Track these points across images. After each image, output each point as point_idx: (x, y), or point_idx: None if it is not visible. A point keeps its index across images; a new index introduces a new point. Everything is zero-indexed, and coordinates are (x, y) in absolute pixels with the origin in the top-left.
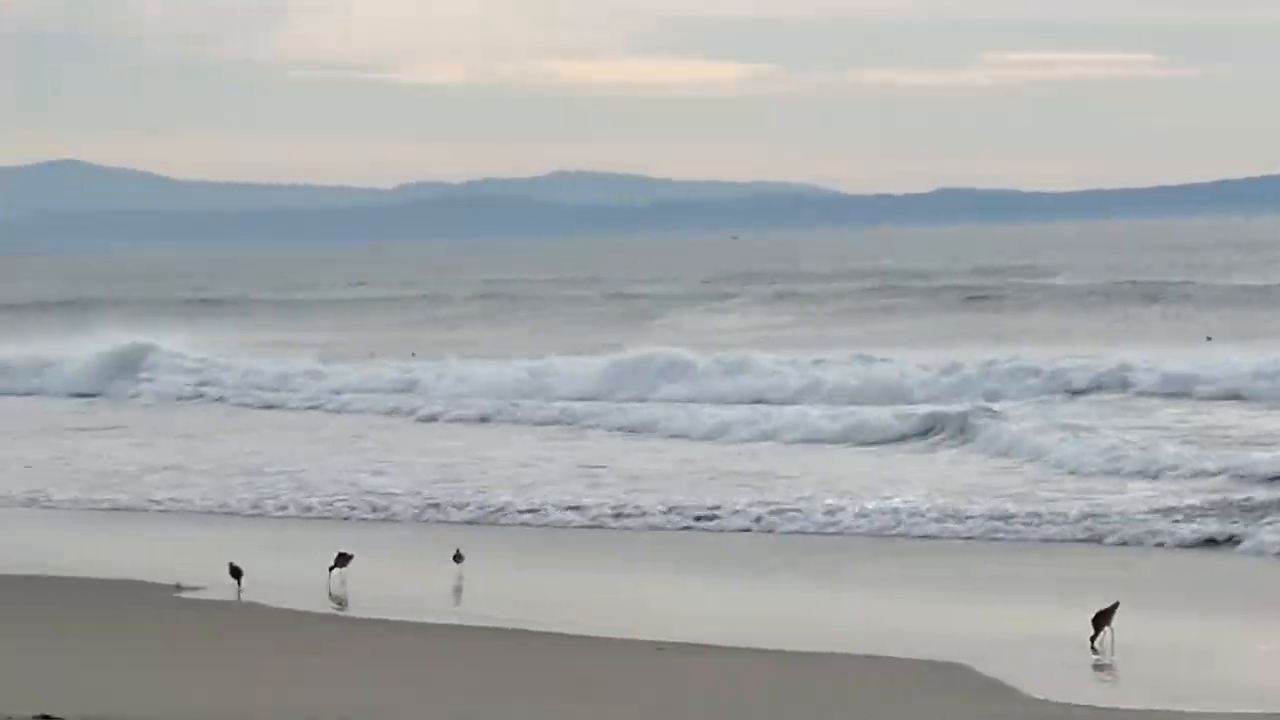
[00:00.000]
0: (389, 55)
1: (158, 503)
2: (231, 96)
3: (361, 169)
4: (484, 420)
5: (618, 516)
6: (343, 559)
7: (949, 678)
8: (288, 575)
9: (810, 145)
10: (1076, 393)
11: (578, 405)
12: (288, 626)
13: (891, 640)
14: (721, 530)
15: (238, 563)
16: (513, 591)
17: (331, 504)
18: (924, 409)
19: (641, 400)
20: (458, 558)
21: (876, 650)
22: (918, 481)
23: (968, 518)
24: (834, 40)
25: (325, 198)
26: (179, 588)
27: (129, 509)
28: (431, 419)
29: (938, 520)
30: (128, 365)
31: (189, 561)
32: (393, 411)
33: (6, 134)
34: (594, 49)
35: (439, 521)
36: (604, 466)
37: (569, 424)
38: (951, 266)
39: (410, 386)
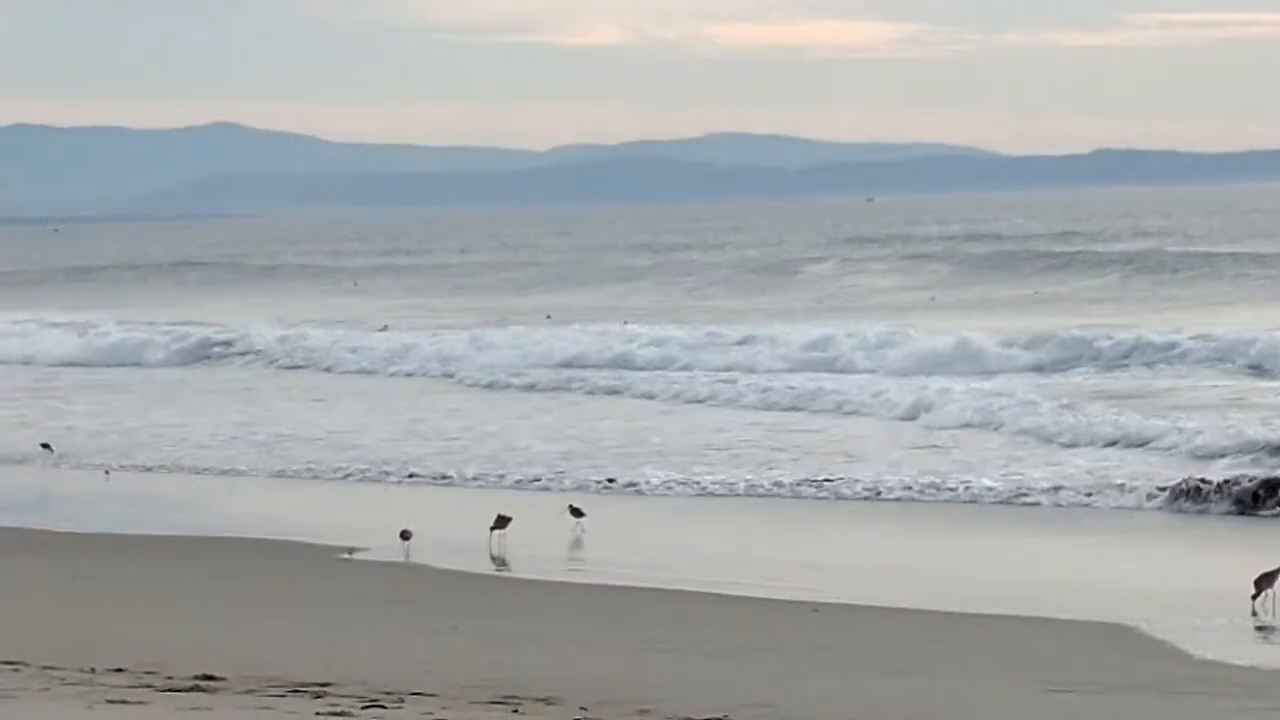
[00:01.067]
0: (546, 17)
1: (315, 466)
2: (387, 60)
3: (515, 132)
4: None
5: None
6: (502, 521)
7: (1118, 639)
8: (449, 538)
9: (967, 106)
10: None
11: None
12: (454, 587)
13: (1057, 601)
14: (880, 497)
15: (408, 527)
16: (664, 553)
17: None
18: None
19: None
20: (576, 513)
21: (1043, 612)
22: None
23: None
24: (988, 1)
25: (479, 160)
26: (345, 549)
27: (294, 475)
28: (650, 396)
29: (1096, 490)
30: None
31: (351, 524)
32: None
33: (168, 97)
34: (750, 12)
35: (594, 489)
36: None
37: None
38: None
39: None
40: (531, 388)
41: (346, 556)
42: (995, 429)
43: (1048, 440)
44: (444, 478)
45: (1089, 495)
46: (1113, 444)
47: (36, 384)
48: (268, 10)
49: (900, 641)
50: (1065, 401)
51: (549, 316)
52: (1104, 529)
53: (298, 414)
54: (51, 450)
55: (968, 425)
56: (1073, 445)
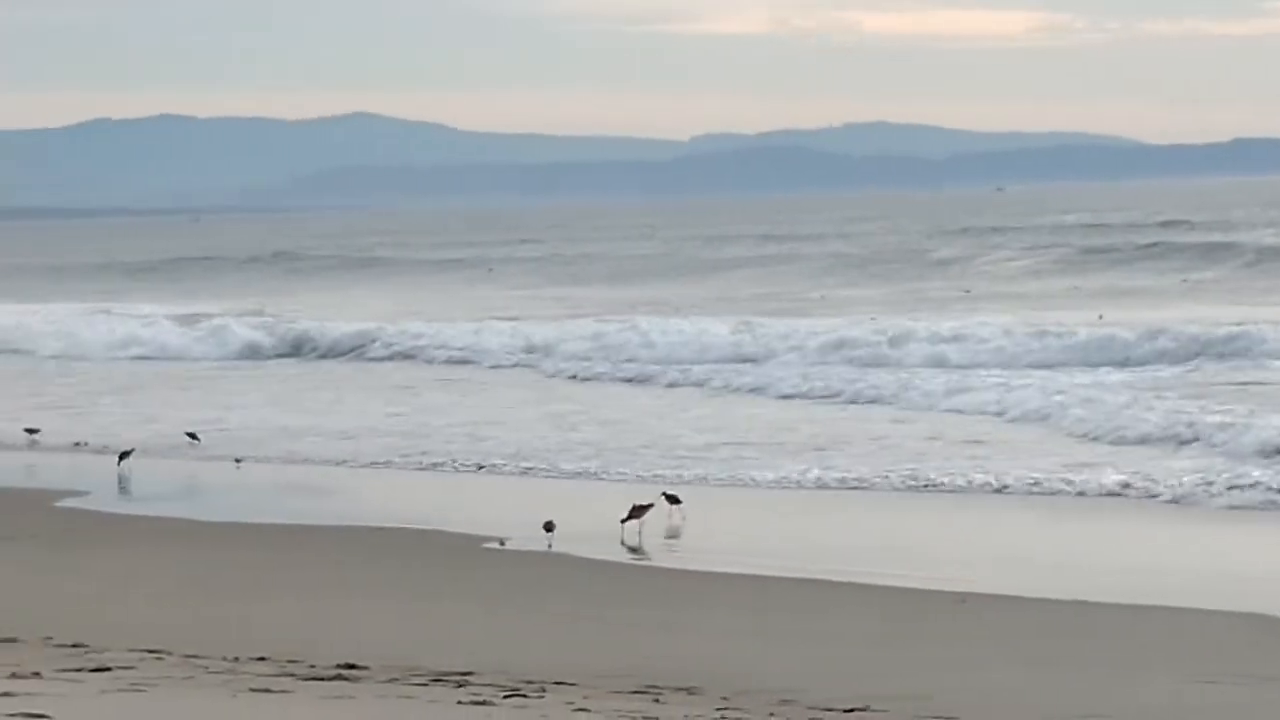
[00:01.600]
0: (685, 6)
1: (457, 457)
2: (523, 49)
3: (654, 121)
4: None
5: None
6: (638, 510)
7: (1261, 629)
8: (591, 528)
9: (1106, 95)
10: None
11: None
12: (595, 577)
13: (1198, 591)
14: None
15: (550, 518)
16: (804, 543)
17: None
18: None
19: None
20: (673, 500)
21: (1184, 602)
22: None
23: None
24: None
25: (617, 150)
26: (489, 538)
27: (436, 466)
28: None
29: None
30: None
31: (492, 514)
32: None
33: (307, 88)
34: (890, 1)
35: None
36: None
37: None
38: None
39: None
40: (674, 385)
41: (498, 546)
42: (1123, 425)
43: (1176, 434)
44: (588, 473)
45: (1229, 489)
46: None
47: (183, 376)
48: (405, 2)
49: (1045, 632)
50: (1196, 395)
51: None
52: (1241, 519)
53: (439, 405)
54: (198, 440)
55: (1093, 419)
56: (1193, 441)
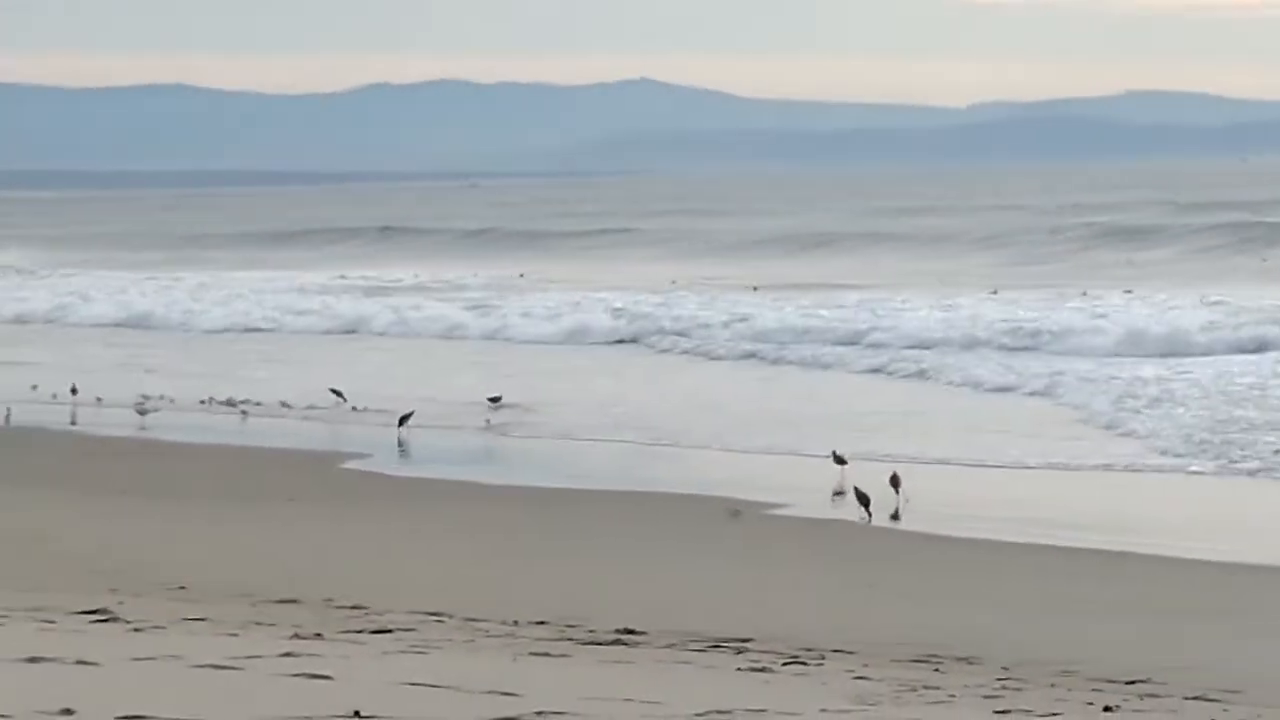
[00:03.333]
0: None
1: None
2: (802, 15)
3: (932, 88)
4: None
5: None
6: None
7: None
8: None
9: None
10: None
11: None
12: (874, 544)
13: None
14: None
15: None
16: (1088, 514)
17: None
18: None
19: None
20: (839, 460)
21: None
22: None
23: None
24: None
25: (896, 117)
26: (769, 507)
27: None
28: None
29: None
30: None
31: (771, 482)
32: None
33: (589, 53)
34: None
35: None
36: None
37: None
38: None
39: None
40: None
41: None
42: None
43: None
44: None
45: None
46: None
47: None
48: None
49: None
50: None
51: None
52: None
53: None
54: (498, 402)
55: None
56: None
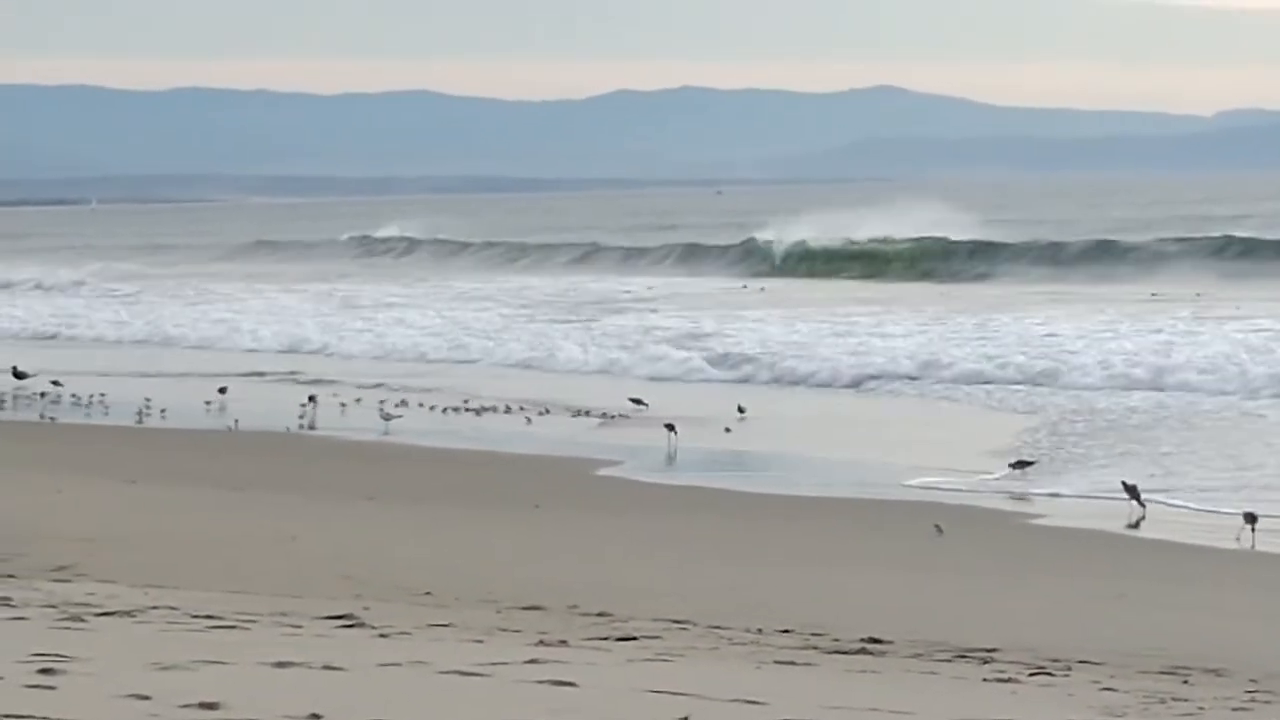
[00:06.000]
0: None
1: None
2: (1046, 22)
3: (1178, 96)
4: None
5: None
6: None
7: None
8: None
9: None
10: None
11: None
12: (1122, 552)
13: None
14: None
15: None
16: None
17: None
18: None
19: None
20: (1134, 491)
21: None
22: None
23: None
24: None
25: (1141, 124)
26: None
27: None
28: None
29: None
30: None
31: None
32: None
33: (830, 60)
34: None
35: None
36: None
37: None
38: None
39: None
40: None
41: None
42: None
43: None
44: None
45: None
46: None
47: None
48: None
49: None
50: None
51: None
52: None
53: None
54: (743, 412)
55: None
56: None
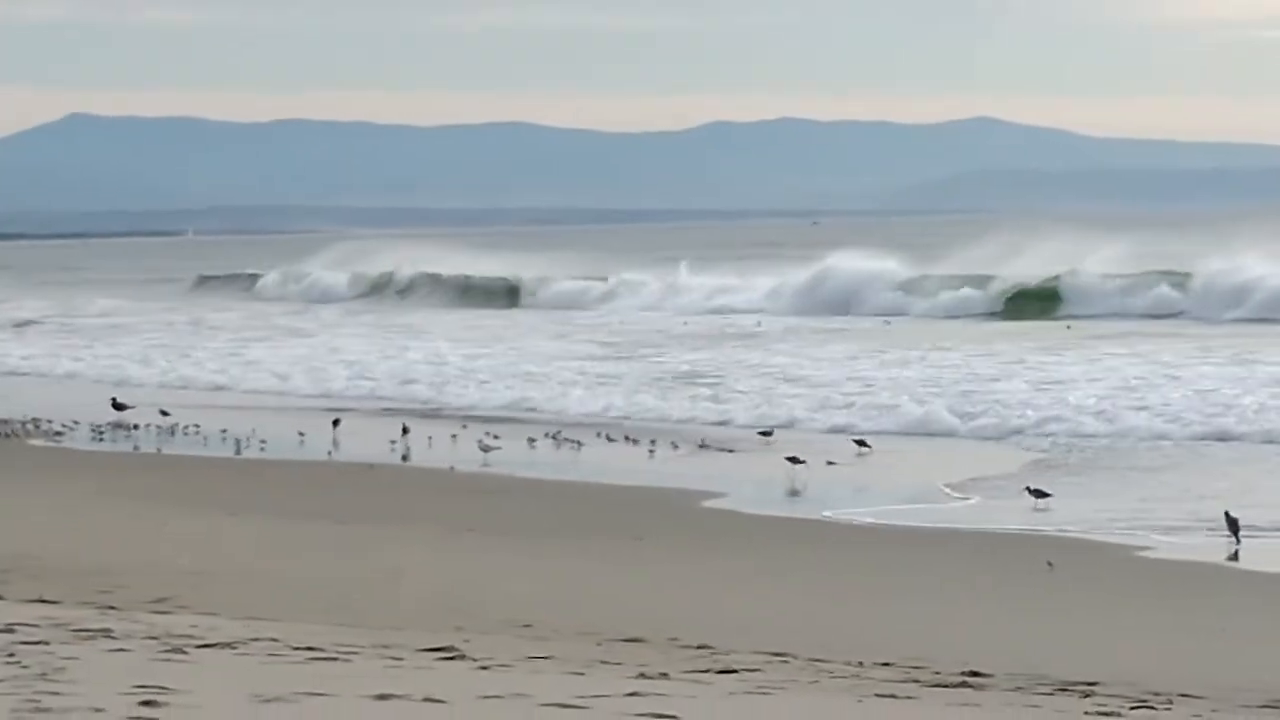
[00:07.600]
0: None
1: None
2: (1146, 55)
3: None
4: None
5: None
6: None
7: None
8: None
9: None
10: None
11: None
12: (1225, 587)
13: None
14: None
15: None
16: None
17: None
18: None
19: None
20: (1234, 524)
21: None
22: None
23: None
24: None
25: (1246, 157)
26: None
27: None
28: None
29: None
30: None
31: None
32: None
33: (929, 93)
34: None
35: None
36: None
37: None
38: None
39: None
40: None
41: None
42: None
43: None
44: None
45: None
46: None
47: None
48: (1028, 7)
49: None
50: None
51: None
52: None
53: None
54: (867, 448)
55: None
56: None
